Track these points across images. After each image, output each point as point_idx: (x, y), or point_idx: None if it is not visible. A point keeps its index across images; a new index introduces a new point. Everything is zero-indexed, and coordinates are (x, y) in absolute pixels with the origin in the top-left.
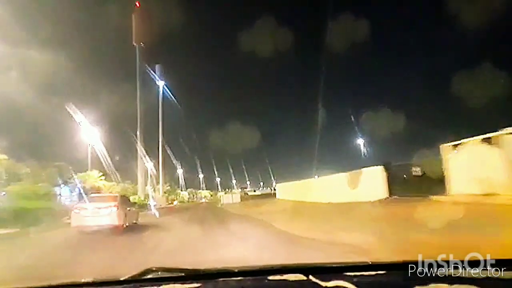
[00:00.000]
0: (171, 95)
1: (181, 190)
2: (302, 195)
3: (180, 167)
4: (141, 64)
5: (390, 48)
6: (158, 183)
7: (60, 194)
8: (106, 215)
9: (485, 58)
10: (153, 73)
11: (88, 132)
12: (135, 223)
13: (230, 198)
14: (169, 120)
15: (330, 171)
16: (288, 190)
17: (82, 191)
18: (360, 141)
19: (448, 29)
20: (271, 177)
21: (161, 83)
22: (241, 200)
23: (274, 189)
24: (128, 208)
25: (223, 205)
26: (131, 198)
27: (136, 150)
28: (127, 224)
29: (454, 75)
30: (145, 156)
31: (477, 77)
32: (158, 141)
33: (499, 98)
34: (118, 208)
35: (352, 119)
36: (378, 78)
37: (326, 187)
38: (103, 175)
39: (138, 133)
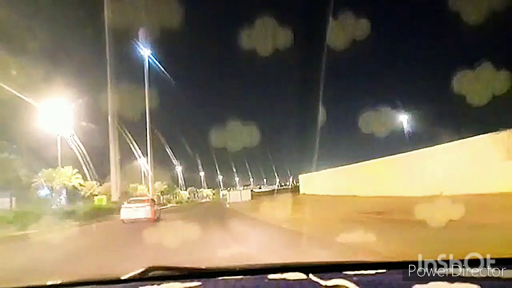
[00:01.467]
0: (162, 69)
1: (181, 190)
2: (354, 187)
3: (178, 164)
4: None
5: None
6: (153, 181)
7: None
8: (143, 211)
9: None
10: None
11: (56, 118)
12: (158, 217)
13: (238, 195)
14: (164, 106)
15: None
16: (320, 182)
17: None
18: (404, 118)
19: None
20: (274, 174)
21: (146, 52)
22: (251, 198)
23: (280, 185)
24: (156, 207)
25: (230, 205)
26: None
27: (134, 148)
28: (155, 218)
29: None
30: (134, 147)
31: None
32: (154, 134)
33: None
34: (151, 207)
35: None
36: None
37: (422, 169)
38: (78, 172)
39: (109, 110)
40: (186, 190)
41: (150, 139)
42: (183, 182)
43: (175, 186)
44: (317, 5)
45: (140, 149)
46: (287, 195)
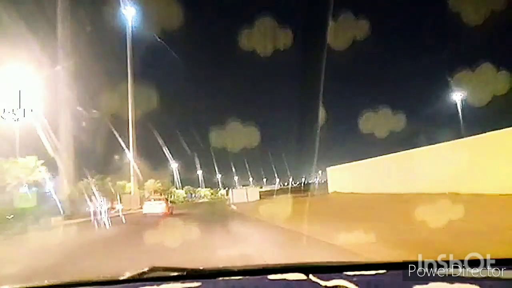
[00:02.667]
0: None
1: (176, 188)
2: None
3: (174, 161)
4: None
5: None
6: (145, 180)
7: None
8: (160, 207)
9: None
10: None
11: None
12: (172, 212)
13: (243, 195)
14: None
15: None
16: (361, 175)
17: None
18: (456, 98)
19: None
20: (274, 173)
21: (129, 12)
22: (259, 198)
23: (281, 185)
24: (170, 204)
25: (236, 207)
26: None
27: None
28: (169, 212)
29: None
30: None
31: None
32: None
33: None
34: (166, 204)
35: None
36: None
37: None
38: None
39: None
40: (182, 189)
41: (133, 125)
42: (179, 181)
43: (171, 184)
44: (317, 6)
45: (128, 143)
46: (307, 195)
